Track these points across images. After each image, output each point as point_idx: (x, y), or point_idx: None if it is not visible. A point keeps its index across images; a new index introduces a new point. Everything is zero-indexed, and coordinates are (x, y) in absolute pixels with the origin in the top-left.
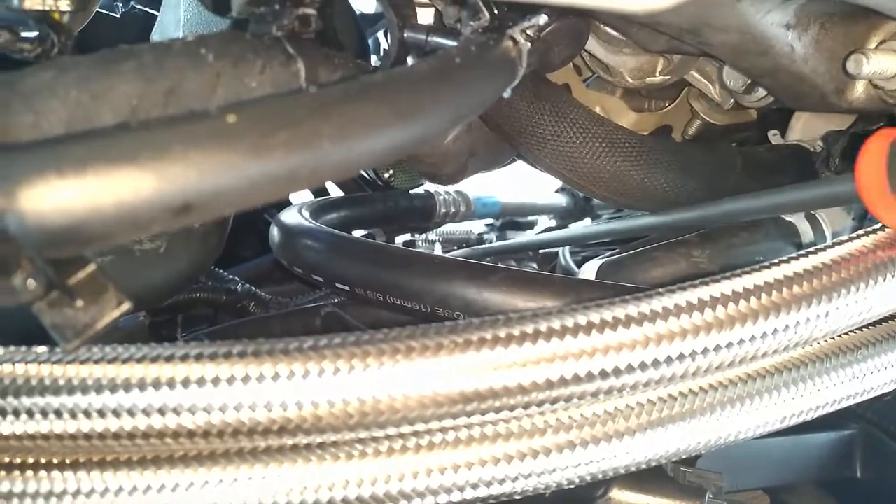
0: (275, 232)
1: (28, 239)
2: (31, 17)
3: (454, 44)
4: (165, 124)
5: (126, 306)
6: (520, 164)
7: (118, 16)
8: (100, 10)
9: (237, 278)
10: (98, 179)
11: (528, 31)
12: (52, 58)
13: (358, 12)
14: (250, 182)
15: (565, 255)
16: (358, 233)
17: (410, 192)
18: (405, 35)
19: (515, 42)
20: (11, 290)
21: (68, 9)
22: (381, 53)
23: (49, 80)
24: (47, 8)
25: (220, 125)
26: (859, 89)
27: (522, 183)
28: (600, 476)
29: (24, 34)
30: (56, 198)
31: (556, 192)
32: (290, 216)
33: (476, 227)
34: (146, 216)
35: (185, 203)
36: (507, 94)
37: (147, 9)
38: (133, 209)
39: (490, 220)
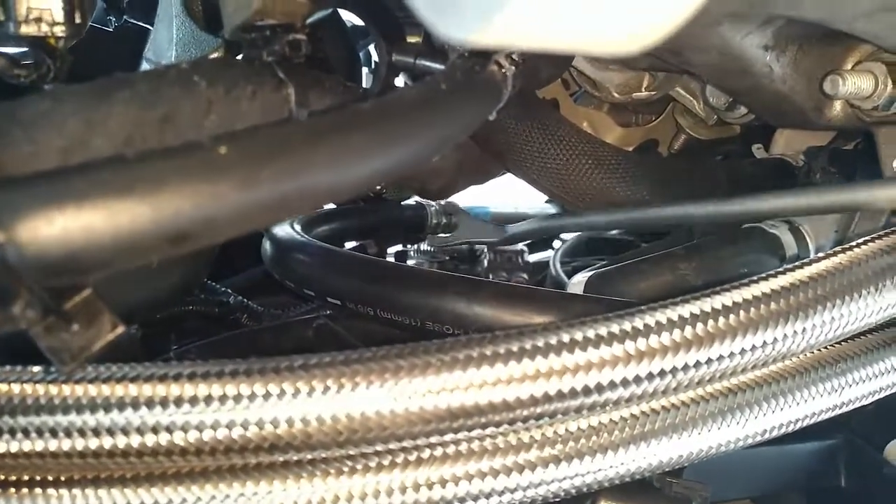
0: (267, 245)
1: (28, 269)
2: (27, 43)
3: (441, 67)
4: (160, 156)
5: (120, 329)
6: (510, 175)
7: (111, 30)
8: (92, 24)
9: (229, 290)
10: (96, 212)
11: (514, 56)
12: (48, 82)
13: (349, 24)
14: (242, 211)
15: (556, 265)
16: (349, 244)
17: (402, 203)
18: (394, 58)
19: (501, 66)
20: (12, 318)
21: (63, 35)
22: (372, 66)
23: (46, 109)
24: (43, 34)
25: (213, 156)
26: (837, 108)
27: (513, 192)
28: (586, 489)
29: (19, 59)
30: (56, 230)
31: (547, 202)
32: (282, 229)
33: None
34: (142, 246)
35: (179, 233)
36: (492, 117)
37: (140, 23)
38: (130, 239)
39: None
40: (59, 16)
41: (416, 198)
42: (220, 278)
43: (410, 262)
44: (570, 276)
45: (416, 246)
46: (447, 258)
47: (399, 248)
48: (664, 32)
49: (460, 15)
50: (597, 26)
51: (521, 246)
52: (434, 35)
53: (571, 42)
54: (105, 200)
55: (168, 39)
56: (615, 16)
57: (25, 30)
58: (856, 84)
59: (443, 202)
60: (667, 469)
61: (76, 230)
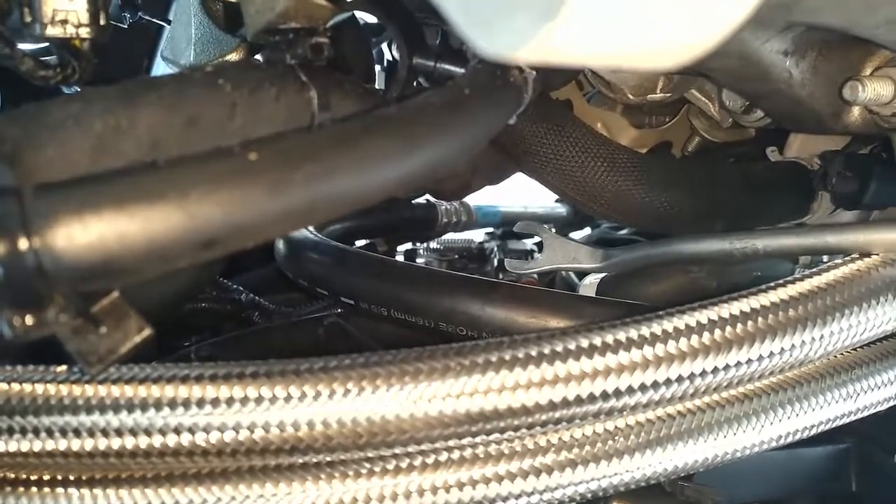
0: (280, 244)
1: (63, 276)
2: (53, 45)
3: (461, 70)
4: (192, 162)
5: (147, 332)
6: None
7: (126, 27)
8: None
9: (241, 288)
10: (131, 218)
11: None
12: (73, 83)
13: (361, 22)
14: (271, 217)
15: None
16: (360, 242)
17: (412, 202)
18: (414, 62)
19: (521, 71)
20: (45, 324)
21: (89, 36)
22: (385, 64)
23: (74, 112)
24: (68, 36)
25: (243, 163)
26: (855, 114)
27: (524, 190)
28: (600, 493)
29: (45, 61)
30: (92, 236)
31: (557, 201)
32: None
33: (477, 236)
34: (175, 252)
35: (211, 239)
36: (512, 121)
37: (154, 19)
38: (162, 246)
39: (491, 229)
40: (85, 17)
41: (428, 197)
42: (232, 275)
43: (420, 261)
44: (580, 278)
45: (425, 244)
46: (456, 256)
47: (408, 246)
48: (716, 42)
49: (507, 31)
50: (651, 41)
51: (530, 245)
52: (453, 38)
53: (623, 58)
54: (140, 207)
55: (186, 39)
56: (670, 30)
57: (52, 31)
58: (875, 90)
59: (457, 203)
60: (682, 474)
61: (111, 237)
